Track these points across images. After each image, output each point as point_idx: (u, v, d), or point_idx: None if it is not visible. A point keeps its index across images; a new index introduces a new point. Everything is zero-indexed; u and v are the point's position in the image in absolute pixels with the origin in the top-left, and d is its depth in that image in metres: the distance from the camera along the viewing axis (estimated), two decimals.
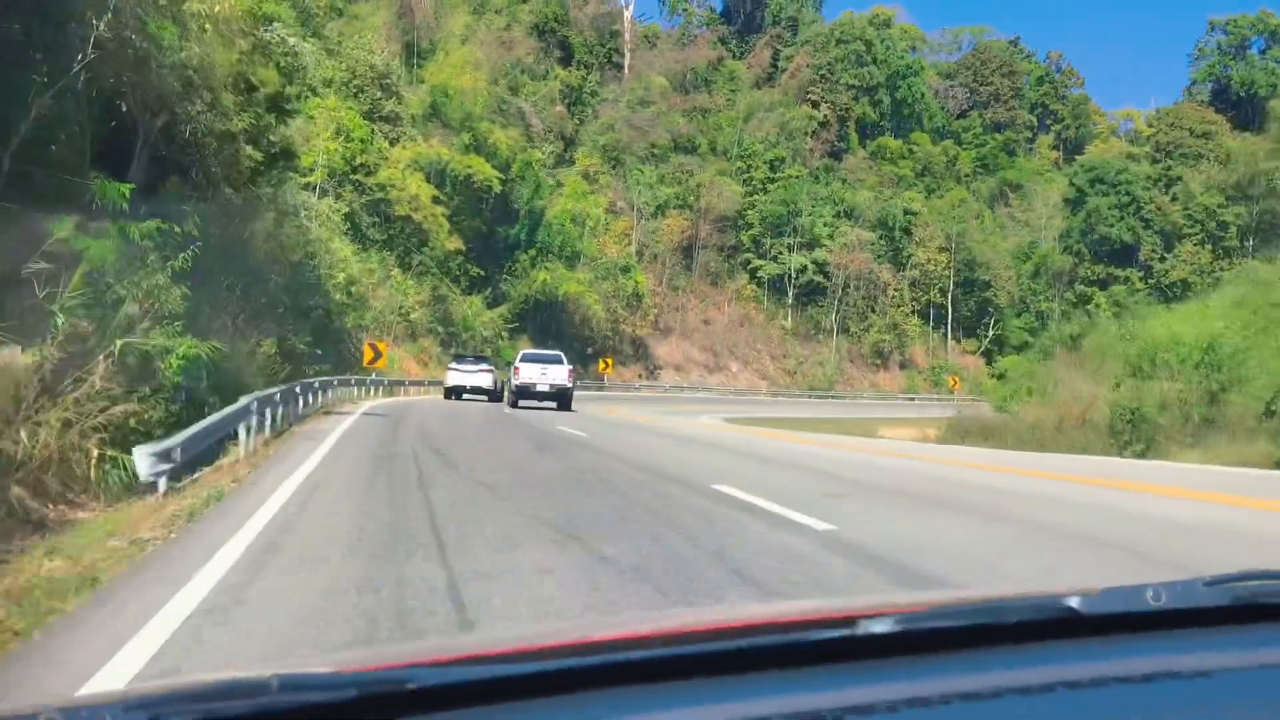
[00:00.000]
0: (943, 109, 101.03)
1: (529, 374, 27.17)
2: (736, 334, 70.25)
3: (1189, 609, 1.43)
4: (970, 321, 79.57)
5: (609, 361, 53.02)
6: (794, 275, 71.81)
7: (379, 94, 45.10)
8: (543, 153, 55.58)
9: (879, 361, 74.01)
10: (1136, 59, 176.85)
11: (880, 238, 75.11)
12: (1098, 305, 78.34)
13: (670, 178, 70.64)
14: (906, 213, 78.27)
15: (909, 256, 77.40)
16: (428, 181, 44.67)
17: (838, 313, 72.62)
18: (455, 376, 31.77)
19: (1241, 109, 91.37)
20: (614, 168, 68.47)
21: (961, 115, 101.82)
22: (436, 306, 45.67)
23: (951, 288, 77.52)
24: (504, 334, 50.48)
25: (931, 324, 77.82)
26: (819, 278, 72.14)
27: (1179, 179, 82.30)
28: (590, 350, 58.19)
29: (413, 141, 45.85)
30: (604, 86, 78.02)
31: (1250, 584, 1.48)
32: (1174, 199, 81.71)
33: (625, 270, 59.74)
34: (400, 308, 42.33)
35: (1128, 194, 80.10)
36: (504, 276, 52.64)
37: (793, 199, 71.35)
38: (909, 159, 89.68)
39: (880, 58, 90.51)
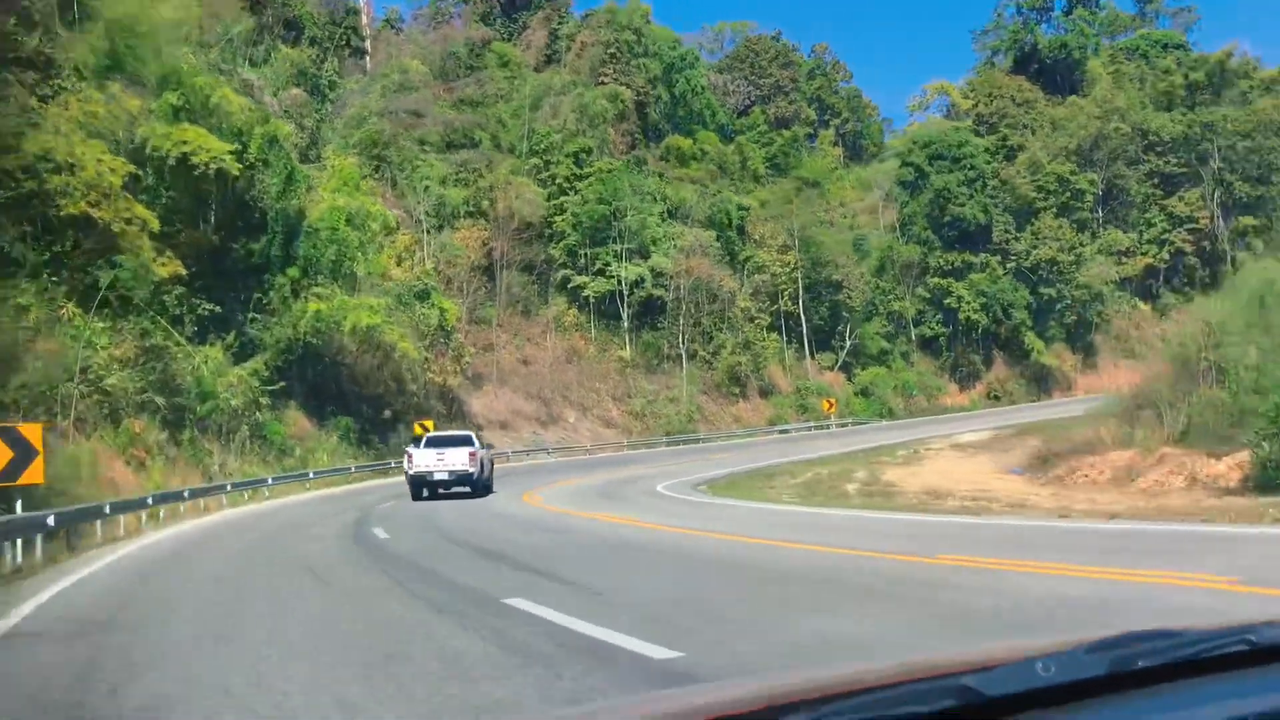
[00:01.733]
0: (723, 106, 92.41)
1: (423, 461, 26.01)
2: (565, 374, 56.48)
3: (1077, 681, 1.51)
4: (824, 331, 69.82)
5: (429, 425, 37.85)
6: (628, 291, 58.91)
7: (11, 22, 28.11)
8: (293, 132, 39.41)
9: (737, 390, 62.39)
10: (909, 47, 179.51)
11: (716, 238, 63.78)
12: (959, 297, 70.99)
13: (454, 178, 56.02)
14: (740, 208, 67.57)
15: (747, 259, 66.63)
16: (116, 156, 28.04)
17: (683, 335, 60.27)
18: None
19: (1047, 75, 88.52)
20: (377, 169, 52.99)
21: (743, 112, 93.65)
22: (148, 365, 28.93)
23: (801, 294, 67.36)
24: (262, 399, 34.12)
25: (785, 338, 67.19)
26: (659, 291, 59.57)
27: (1020, 148, 76.93)
28: (387, 413, 42.42)
29: (80, 100, 29.03)
30: (346, 76, 62.52)
31: (1130, 648, 1.57)
32: (1016, 173, 76.11)
33: (422, 296, 44.48)
34: (84, 370, 25.59)
35: (973, 168, 73.56)
36: (251, 314, 36.18)
37: (613, 196, 58.58)
38: (700, 161, 79.54)
39: (652, 50, 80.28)
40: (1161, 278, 78.29)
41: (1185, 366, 25.78)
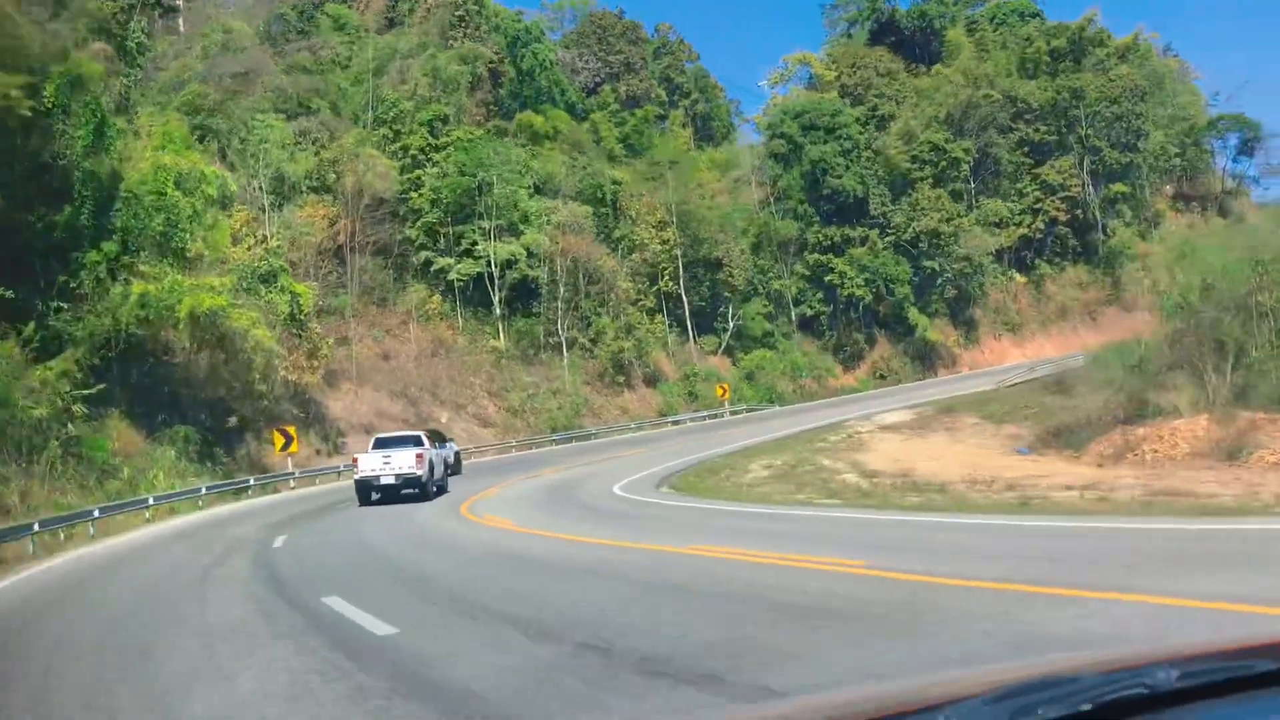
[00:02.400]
0: (572, 83, 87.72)
1: (369, 465, 25.39)
2: (432, 368, 50.63)
3: None
4: (706, 314, 66.02)
5: (291, 431, 31.79)
6: (499, 273, 53.44)
7: None
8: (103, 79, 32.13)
9: (622, 379, 57.72)
10: (754, 25, 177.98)
11: (593, 214, 59.01)
12: (841, 273, 68.57)
13: (294, 148, 49.29)
14: (614, 182, 62.99)
15: (622, 238, 62.15)
16: None
17: (562, 320, 55.24)
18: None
19: (906, 46, 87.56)
20: (202, 139, 45.79)
21: (593, 90, 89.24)
22: None
23: (681, 273, 63.32)
24: (75, 407, 27.37)
25: (667, 321, 63.04)
26: (534, 272, 54.31)
27: (891, 118, 75.12)
28: (233, 420, 35.93)
29: None
30: (156, 39, 54.57)
31: (1029, 697, 1.61)
32: (889, 143, 74.19)
33: (269, 279, 38.01)
34: None
35: (848, 138, 71.23)
36: (55, 301, 29.25)
37: (477, 166, 52.99)
38: (554, 140, 74.62)
39: (494, 22, 74.91)
40: (1034, 248, 78.09)
41: (1223, 315, 22.57)
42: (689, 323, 64.51)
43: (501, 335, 54.59)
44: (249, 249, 40.32)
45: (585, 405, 54.49)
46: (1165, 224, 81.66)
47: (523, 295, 56.13)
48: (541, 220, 55.51)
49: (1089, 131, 77.03)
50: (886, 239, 71.26)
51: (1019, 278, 76.79)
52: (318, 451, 40.30)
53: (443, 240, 54.16)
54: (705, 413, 58.35)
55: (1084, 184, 76.67)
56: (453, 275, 53.35)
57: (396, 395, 47.57)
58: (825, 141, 71.18)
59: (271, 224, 43.89)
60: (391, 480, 25.11)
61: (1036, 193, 76.51)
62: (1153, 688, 1.66)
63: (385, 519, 21.63)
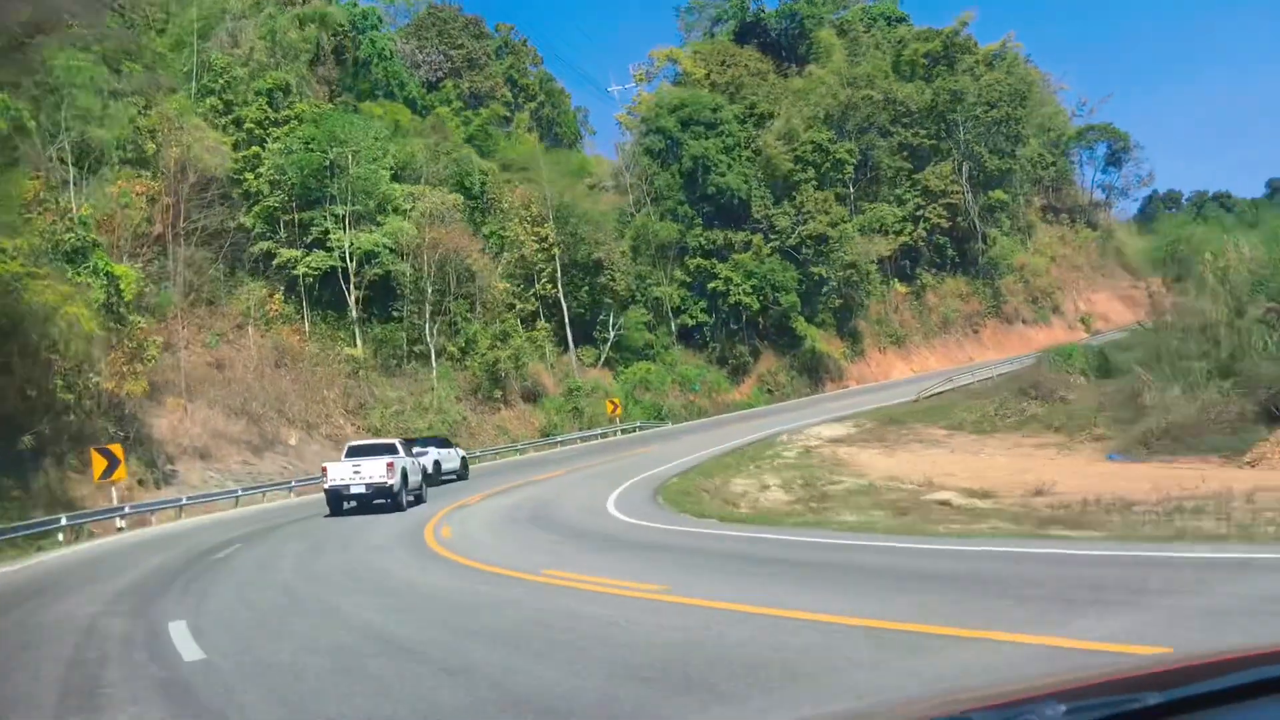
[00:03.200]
0: (413, 77, 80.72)
1: (339, 474, 25.24)
2: (277, 381, 42.76)
3: None
4: (585, 322, 60.05)
5: (117, 452, 23.89)
6: (355, 268, 46.00)
7: None
8: None
9: (499, 394, 50.93)
10: (603, 30, 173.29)
11: (464, 203, 52.29)
12: (726, 279, 64.10)
13: (102, 114, 40.51)
14: (483, 171, 56.49)
15: (493, 235, 55.63)
16: None
17: (430, 325, 48.21)
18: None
19: (772, 47, 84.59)
20: None
21: (434, 85, 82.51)
22: None
23: (559, 275, 57.21)
24: None
25: (548, 328, 56.76)
26: (398, 267, 47.09)
27: (770, 116, 71.29)
28: (28, 440, 27.55)
29: None
30: None
31: None
32: (770, 142, 70.29)
33: (77, 257, 29.81)
34: None
35: (729, 135, 66.92)
36: None
37: (330, 141, 45.52)
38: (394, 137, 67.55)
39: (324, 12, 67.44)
40: (914, 257, 75.80)
41: None
42: (568, 332, 58.28)
43: (359, 342, 46.92)
44: (51, 223, 31.62)
45: (461, 423, 47.34)
46: (1037, 235, 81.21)
47: (383, 296, 48.62)
48: (406, 208, 48.27)
49: (968, 136, 75.55)
50: (770, 244, 67.14)
51: (900, 287, 74.24)
52: (140, 481, 31.87)
53: (287, 229, 46.16)
54: (596, 431, 52.19)
55: (964, 191, 75.01)
56: (300, 269, 45.39)
57: (235, 413, 39.33)
58: (706, 137, 66.64)
59: (78, 195, 35.11)
60: (362, 490, 24.78)
61: (917, 199, 74.31)
62: None
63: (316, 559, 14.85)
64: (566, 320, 58.18)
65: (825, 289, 68.41)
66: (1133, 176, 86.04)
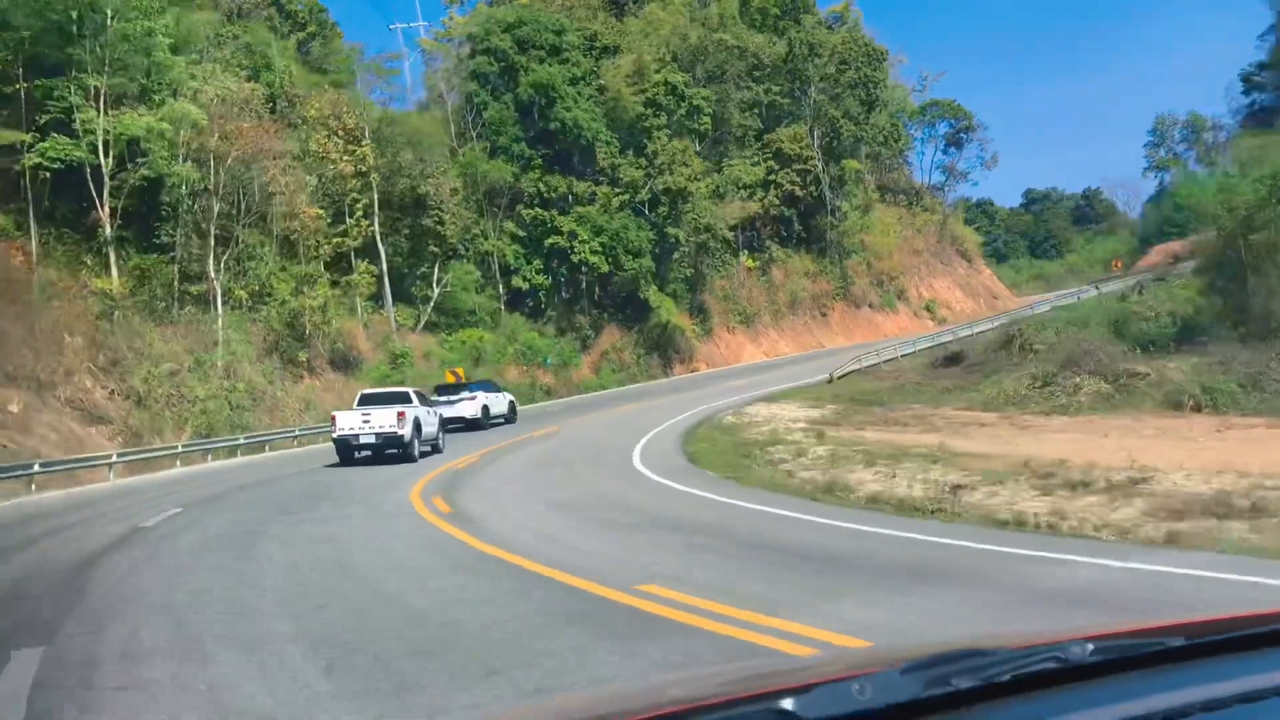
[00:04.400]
0: None
1: (347, 423, 24.98)
2: None
3: (893, 704, 1.57)
4: (404, 276, 48.62)
5: None
6: (113, 165, 33.08)
7: None
8: None
9: (304, 358, 38.90)
10: None
11: (266, 99, 39.93)
12: (570, 234, 54.50)
13: None
14: (285, 71, 44.11)
15: (303, 153, 43.25)
16: None
17: (217, 257, 35.79)
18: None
19: None
20: None
21: None
22: None
23: (377, 210, 45.61)
24: None
25: (373, 275, 45.05)
26: (174, 171, 34.33)
27: (616, 49, 61.92)
28: None
29: None
30: None
31: (945, 668, 1.65)
32: (617, 78, 60.84)
33: None
34: None
35: (576, 64, 57.17)
36: None
37: None
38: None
39: None
40: (762, 228, 68.51)
41: None
42: (386, 285, 46.55)
43: (114, 273, 33.55)
44: None
45: (261, 396, 35.01)
46: (876, 215, 76.11)
47: (149, 211, 35.37)
48: (190, 88, 35.32)
49: (821, 98, 69.14)
50: (619, 197, 57.75)
51: (748, 261, 66.65)
52: None
53: (9, 102, 32.23)
54: None
55: (817, 158, 68.48)
56: (28, 161, 31.61)
57: None
58: (548, 62, 56.38)
59: None
60: (372, 439, 24.49)
61: (769, 162, 66.98)
62: (1065, 661, 1.71)
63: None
64: (385, 270, 46.41)
65: (676, 255, 59.76)
66: (975, 158, 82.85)
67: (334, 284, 42.76)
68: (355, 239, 44.62)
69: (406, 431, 24.53)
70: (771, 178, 66.52)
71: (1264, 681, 1.70)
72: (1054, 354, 30.26)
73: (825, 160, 69.37)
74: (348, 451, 24.78)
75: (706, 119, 62.39)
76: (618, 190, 57.98)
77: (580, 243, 54.93)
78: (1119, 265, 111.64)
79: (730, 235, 62.12)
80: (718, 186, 62.83)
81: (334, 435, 25.17)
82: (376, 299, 46.99)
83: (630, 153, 59.74)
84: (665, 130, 59.85)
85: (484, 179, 54.58)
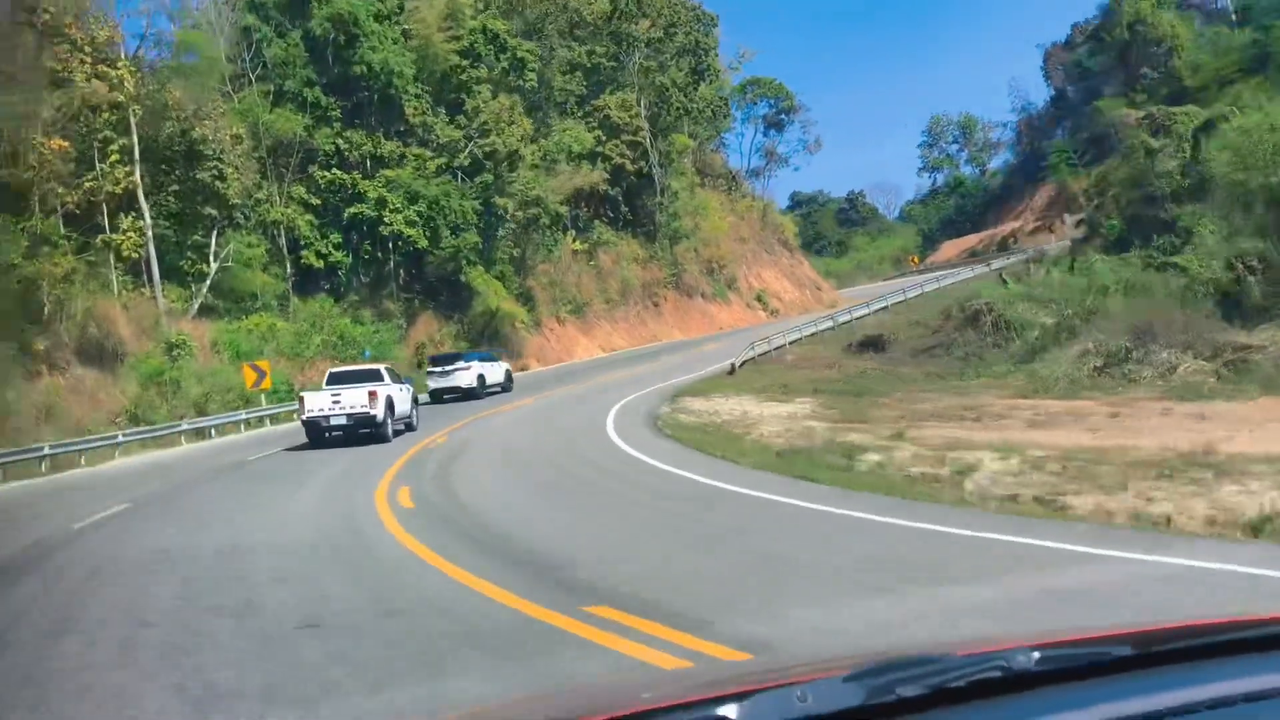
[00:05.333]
0: None
1: (316, 404, 24.30)
2: None
3: (835, 712, 1.58)
4: (176, 243, 38.48)
5: None
6: None
7: None
8: None
9: (40, 349, 28.56)
10: None
11: None
12: (379, 202, 45.88)
13: None
14: None
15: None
16: None
17: None
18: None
19: None
20: None
21: None
22: None
23: (137, 151, 35.51)
24: None
25: (129, 240, 34.68)
26: None
27: None
28: None
29: None
30: None
31: (888, 676, 1.65)
32: (427, 21, 52.07)
33: None
34: None
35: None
36: None
37: None
38: None
39: None
40: (588, 207, 61.15)
41: None
42: (152, 253, 36.07)
43: None
44: None
45: None
46: (702, 196, 70.34)
47: None
48: None
49: (649, 64, 62.73)
50: (435, 162, 49.02)
51: (576, 244, 59.09)
52: None
53: None
54: (242, 414, 31.43)
55: (646, 130, 61.89)
56: None
57: None
58: None
59: None
60: (343, 421, 24.00)
61: (598, 132, 59.73)
62: (1010, 669, 1.71)
63: None
64: (150, 235, 35.91)
65: (502, 231, 51.55)
66: (797, 142, 78.56)
67: (82, 249, 32.24)
68: (110, 187, 33.99)
69: (379, 411, 23.94)
70: (600, 149, 59.33)
71: (1207, 692, 1.68)
72: (1105, 328, 24.62)
73: (653, 134, 62.94)
74: (318, 433, 24.18)
75: (532, 75, 54.48)
76: (433, 153, 49.24)
77: (392, 212, 45.84)
78: (915, 261, 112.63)
79: (564, 210, 54.48)
80: (545, 154, 55.03)
81: (303, 417, 24.57)
82: (136, 273, 36.45)
83: (444, 111, 51.11)
84: (486, 85, 51.55)
85: (268, 132, 44.61)
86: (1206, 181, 43.83)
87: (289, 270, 45.30)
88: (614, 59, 62.82)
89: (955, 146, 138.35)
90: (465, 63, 51.51)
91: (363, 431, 23.90)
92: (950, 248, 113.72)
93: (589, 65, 62.13)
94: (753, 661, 5.16)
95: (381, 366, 27.01)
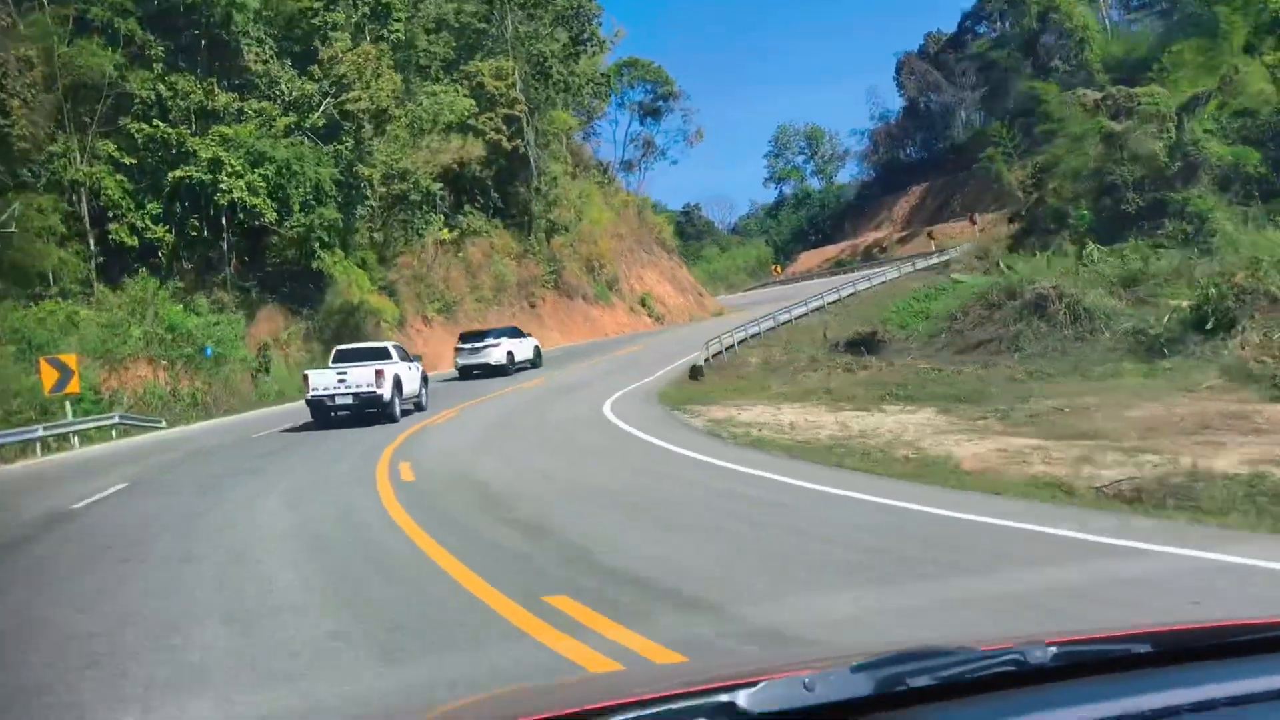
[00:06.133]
0: None
1: (321, 382, 24.11)
2: None
3: (844, 700, 1.57)
4: None
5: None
6: None
7: None
8: None
9: None
10: None
11: None
12: (211, 163, 37.33)
13: None
14: None
15: None
16: None
17: None
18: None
19: None
20: None
21: None
22: None
23: None
24: None
25: None
26: None
27: None
28: None
29: None
30: None
31: (899, 668, 1.63)
32: None
33: None
34: None
35: None
36: None
37: None
38: None
39: None
40: (459, 189, 53.00)
41: None
42: None
43: None
44: None
45: None
46: (580, 185, 63.10)
47: None
48: None
49: (525, 29, 55.27)
50: (286, 120, 40.26)
51: (443, 232, 50.75)
52: None
53: None
54: (39, 430, 22.40)
55: (523, 104, 54.32)
56: None
57: None
58: None
59: None
60: (349, 400, 23.67)
61: (470, 102, 51.67)
62: (1025, 664, 1.69)
63: None
64: None
65: (362, 210, 43.02)
66: (676, 132, 72.41)
67: None
68: None
69: (386, 390, 23.60)
70: (473, 121, 51.42)
71: (1226, 690, 1.66)
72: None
73: (530, 110, 55.47)
74: (323, 413, 23.94)
75: (398, 26, 46.16)
76: (281, 110, 40.48)
77: (231, 176, 36.88)
78: (779, 271, 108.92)
79: (439, 188, 46.33)
80: (414, 121, 46.79)
81: (308, 396, 24.12)
82: None
83: (290, 63, 42.38)
84: (347, 31, 43.11)
85: (66, 69, 35.11)
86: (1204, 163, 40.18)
87: (94, 247, 35.82)
88: (485, 20, 55.07)
89: (802, 158, 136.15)
90: (318, 4, 42.96)
91: (369, 411, 23.48)
92: (810, 258, 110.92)
93: (457, 25, 54.26)
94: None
95: (389, 344, 26.62)
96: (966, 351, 26.93)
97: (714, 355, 32.25)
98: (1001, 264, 38.35)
